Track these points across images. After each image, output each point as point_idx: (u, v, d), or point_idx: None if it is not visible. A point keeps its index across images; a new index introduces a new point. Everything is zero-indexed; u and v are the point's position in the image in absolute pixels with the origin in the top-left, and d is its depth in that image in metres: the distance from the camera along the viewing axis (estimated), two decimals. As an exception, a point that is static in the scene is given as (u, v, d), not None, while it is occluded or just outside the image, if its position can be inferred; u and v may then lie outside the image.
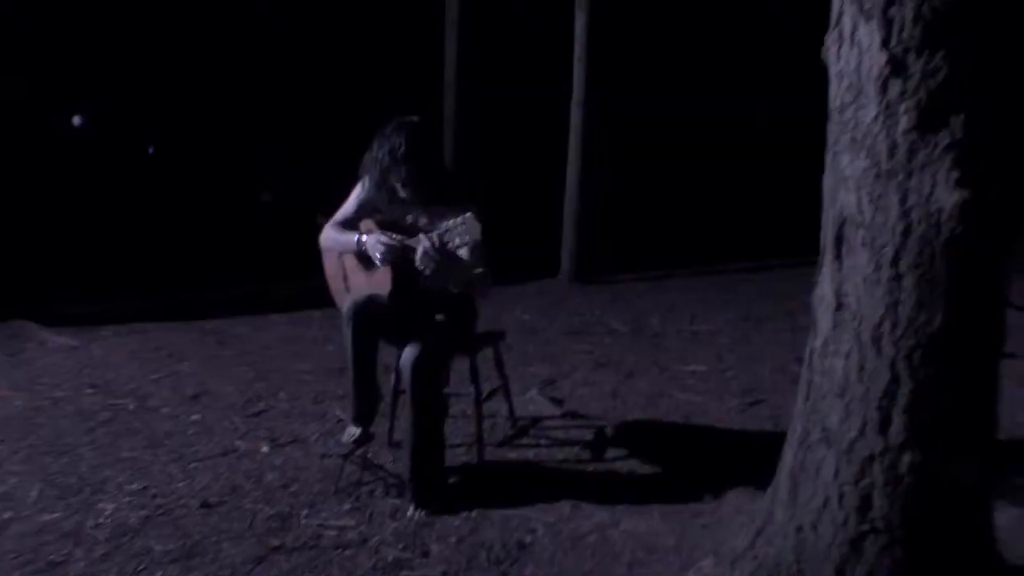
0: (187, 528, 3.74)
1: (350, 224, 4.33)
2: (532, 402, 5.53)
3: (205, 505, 3.98)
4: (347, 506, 3.98)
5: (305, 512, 3.92)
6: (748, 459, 4.38)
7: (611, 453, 4.67)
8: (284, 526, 3.78)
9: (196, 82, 11.73)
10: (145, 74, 11.37)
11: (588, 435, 4.96)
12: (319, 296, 4.93)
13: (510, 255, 6.16)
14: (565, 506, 3.93)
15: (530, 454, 4.68)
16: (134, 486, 4.20)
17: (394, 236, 4.07)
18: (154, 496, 4.08)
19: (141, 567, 3.42)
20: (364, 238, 4.13)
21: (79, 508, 3.94)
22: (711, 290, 10.50)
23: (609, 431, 5.01)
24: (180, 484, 4.23)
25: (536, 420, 5.22)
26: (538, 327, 8.18)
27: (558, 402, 5.53)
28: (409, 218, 4.28)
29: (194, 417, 5.28)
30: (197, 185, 11.57)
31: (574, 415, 5.32)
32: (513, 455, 4.67)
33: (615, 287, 10.65)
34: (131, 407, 5.46)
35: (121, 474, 4.35)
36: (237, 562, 3.45)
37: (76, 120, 11.40)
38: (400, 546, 3.58)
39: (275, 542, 3.62)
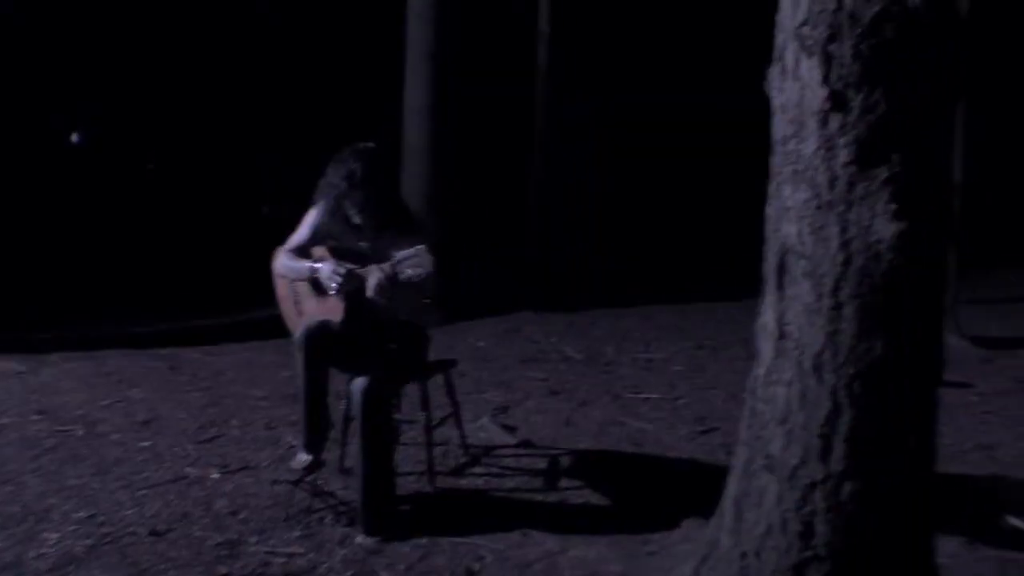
0: (134, 557, 3.69)
1: (303, 250, 4.32)
2: (484, 429, 5.53)
3: (153, 533, 3.93)
4: (296, 533, 3.96)
5: (254, 539, 3.90)
6: (698, 487, 4.40)
7: (562, 481, 4.68)
8: (233, 553, 3.75)
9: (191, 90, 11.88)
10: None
11: (539, 463, 4.97)
12: (274, 321, 4.91)
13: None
14: (514, 534, 3.93)
15: (480, 482, 4.68)
16: (80, 514, 4.14)
17: (347, 266, 4.08)
18: (101, 524, 4.03)
19: (85, 597, 3.39)
20: (317, 266, 4.13)
21: (22, 538, 3.87)
22: (667, 318, 10.56)
23: (561, 459, 5.02)
24: (128, 511, 4.18)
25: (488, 448, 5.23)
26: (492, 354, 8.20)
27: (510, 429, 5.54)
28: (363, 245, 4.28)
29: (144, 443, 5.23)
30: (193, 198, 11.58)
31: (526, 443, 5.33)
32: (464, 483, 4.66)
33: (571, 315, 10.67)
34: (79, 433, 5.40)
35: (67, 502, 4.28)
36: (184, 591, 3.43)
37: (74, 137, 11.39)
38: (349, 573, 3.57)
39: (223, 570, 3.60)
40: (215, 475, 4.72)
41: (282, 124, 12.43)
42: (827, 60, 2.59)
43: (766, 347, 2.90)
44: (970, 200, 8.85)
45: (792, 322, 2.77)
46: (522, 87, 11.08)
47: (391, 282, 3.91)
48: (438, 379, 4.82)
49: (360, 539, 3.86)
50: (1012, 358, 8.18)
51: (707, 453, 5.13)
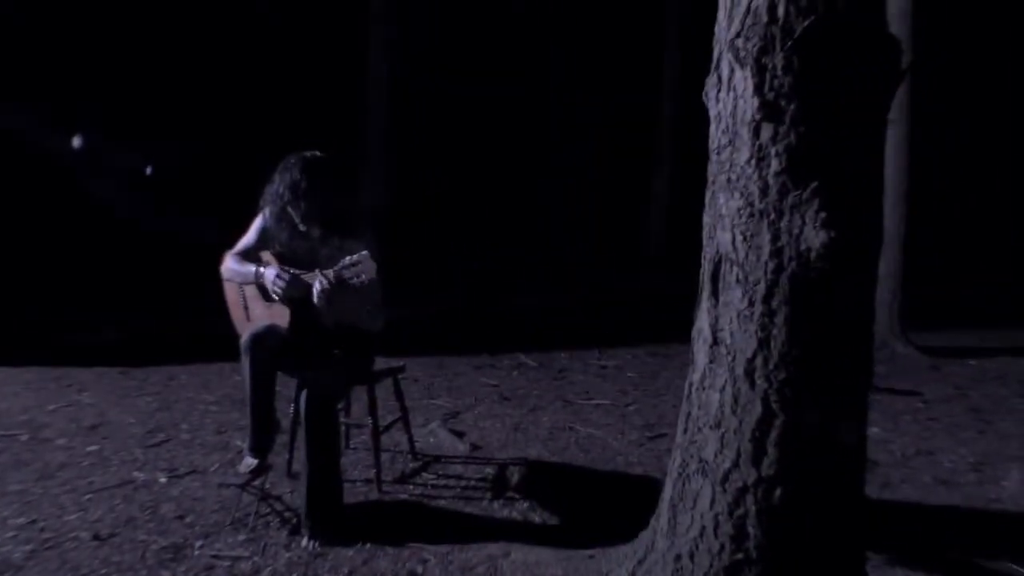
0: (75, 561, 3.67)
1: (251, 254, 4.33)
2: (434, 435, 5.55)
3: (96, 537, 3.91)
4: (242, 537, 3.96)
5: (199, 543, 3.89)
6: (642, 491, 4.46)
7: (508, 486, 4.70)
8: (177, 557, 3.74)
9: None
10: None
11: (487, 468, 4.98)
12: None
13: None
14: (458, 538, 3.95)
15: (428, 487, 4.69)
16: (21, 520, 4.11)
17: (291, 271, 4.09)
18: (42, 530, 4.00)
19: (23, 603, 3.36)
20: (263, 270, 4.14)
21: (-41, 546, 3.85)
22: (620, 324, 10.63)
23: (508, 465, 5.04)
24: (71, 516, 4.16)
25: (437, 454, 5.24)
26: (445, 361, 8.21)
27: (459, 435, 5.55)
28: (308, 251, 4.29)
29: (91, 448, 5.20)
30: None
31: (474, 447, 5.35)
32: (411, 487, 4.67)
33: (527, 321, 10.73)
34: (23, 438, 5.37)
35: (7, 508, 4.25)
36: (126, 594, 3.42)
37: (76, 141, 11.37)
38: (292, 576, 3.58)
39: (166, 574, 3.58)
40: (162, 479, 4.71)
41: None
42: (760, 71, 2.63)
43: (701, 353, 2.94)
44: (920, 210, 9.00)
45: (725, 328, 2.81)
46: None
47: (334, 288, 3.93)
48: (388, 385, 4.84)
49: (305, 543, 3.86)
50: (958, 366, 8.31)
51: (655, 458, 5.17)
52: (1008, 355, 8.89)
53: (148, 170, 12.24)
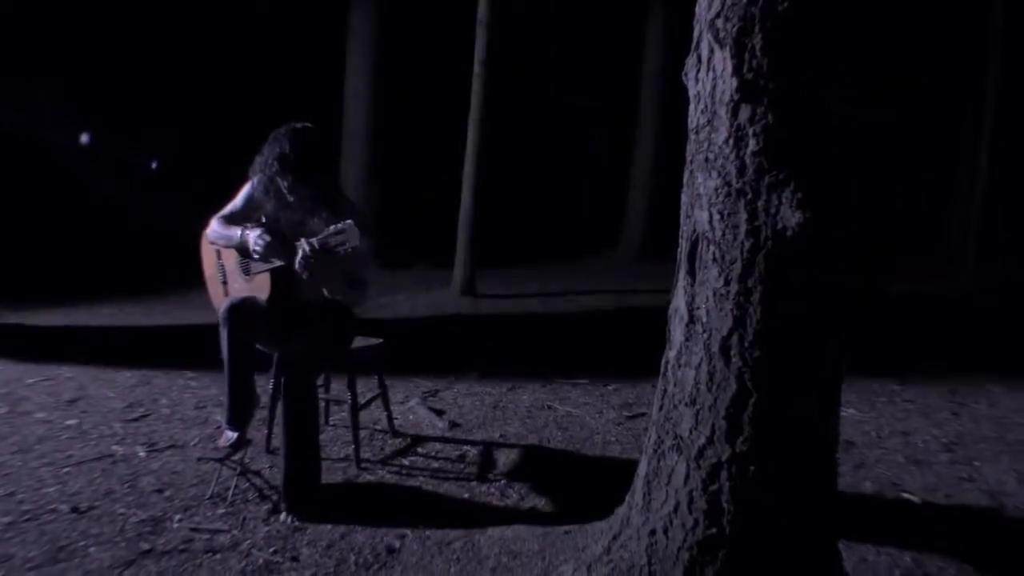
0: (53, 533, 3.68)
1: (235, 219, 4.33)
2: (413, 412, 5.58)
3: (75, 510, 3.93)
4: (221, 510, 3.98)
5: (178, 516, 3.90)
6: (619, 469, 4.51)
7: (485, 463, 4.73)
8: (156, 530, 3.76)
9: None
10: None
11: (466, 446, 5.01)
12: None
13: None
14: (436, 513, 3.99)
15: (406, 463, 4.71)
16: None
17: (275, 235, 4.11)
18: (20, 502, 4.01)
19: (-1, 575, 3.38)
20: (247, 231, 4.14)
21: (-64, 517, 3.87)
22: (602, 305, 10.67)
23: (487, 442, 5.07)
24: (50, 489, 4.17)
25: (416, 431, 5.26)
26: (427, 338, 8.24)
27: (439, 412, 5.58)
28: (294, 222, 4.29)
29: (70, 422, 5.22)
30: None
31: (453, 425, 5.38)
32: (390, 464, 4.69)
33: (506, 300, 10.76)
34: (2, 411, 5.38)
35: (-14, 480, 4.27)
36: (104, 567, 3.41)
37: (84, 138, 11.45)
38: (271, 550, 3.59)
39: (145, 546, 3.60)
40: (142, 453, 4.73)
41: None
42: (739, 51, 2.65)
43: (677, 331, 2.97)
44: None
45: (702, 306, 2.83)
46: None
47: (317, 256, 3.94)
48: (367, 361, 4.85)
49: (283, 518, 3.88)
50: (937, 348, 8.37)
51: (632, 437, 5.21)
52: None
53: (153, 164, 12.40)
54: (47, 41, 11.70)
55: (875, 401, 6.16)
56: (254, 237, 4.09)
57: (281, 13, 14.45)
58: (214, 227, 4.36)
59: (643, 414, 5.67)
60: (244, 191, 4.41)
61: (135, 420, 5.31)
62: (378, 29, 13.39)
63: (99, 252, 11.52)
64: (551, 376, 6.75)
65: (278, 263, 4.14)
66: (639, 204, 16.57)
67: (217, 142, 11.28)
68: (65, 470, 4.44)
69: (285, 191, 4.24)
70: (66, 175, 11.67)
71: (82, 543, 3.61)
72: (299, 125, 4.25)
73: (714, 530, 2.82)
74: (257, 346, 4.30)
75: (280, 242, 4.07)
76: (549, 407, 5.86)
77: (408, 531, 3.76)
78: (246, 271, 4.36)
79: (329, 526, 3.81)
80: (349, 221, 3.92)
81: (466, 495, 4.28)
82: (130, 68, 12.74)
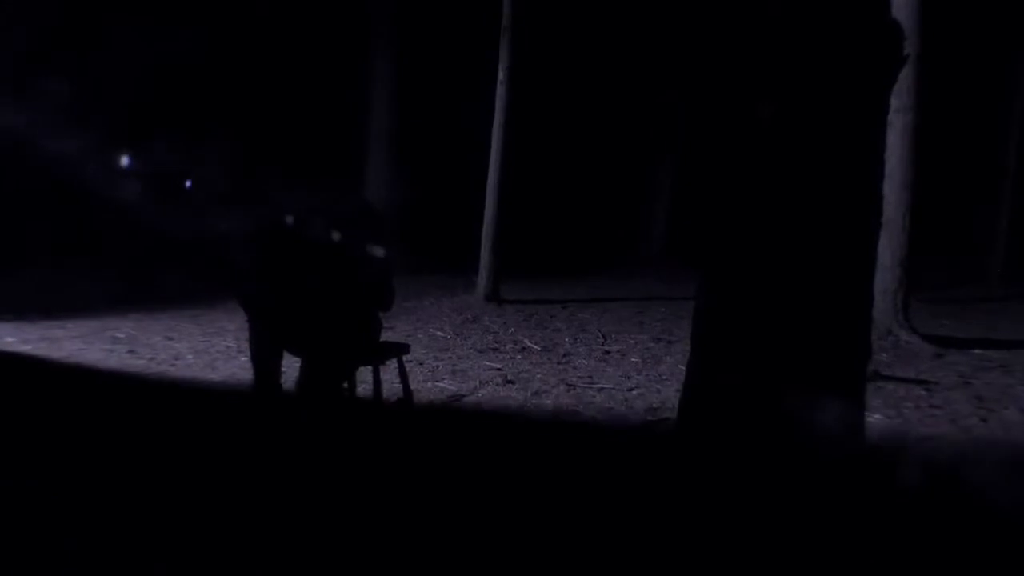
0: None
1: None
2: (437, 416, 5.60)
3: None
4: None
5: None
6: (644, 475, 4.50)
7: (507, 468, 4.72)
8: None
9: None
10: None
11: (488, 448, 5.00)
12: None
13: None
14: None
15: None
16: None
17: None
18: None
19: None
20: None
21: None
22: (626, 311, 10.67)
23: (510, 447, 5.07)
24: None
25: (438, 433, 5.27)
26: (451, 344, 8.27)
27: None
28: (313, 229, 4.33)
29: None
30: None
31: (478, 430, 5.38)
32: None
33: (530, 306, 10.78)
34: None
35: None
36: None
37: (124, 160, 11.74)
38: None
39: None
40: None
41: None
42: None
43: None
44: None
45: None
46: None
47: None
48: (393, 366, 4.87)
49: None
50: (962, 355, 8.32)
51: (656, 442, 5.19)
52: (1010, 347, 8.90)
53: (124, 160, 12.62)
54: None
55: (901, 407, 6.13)
56: None
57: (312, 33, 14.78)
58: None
59: (667, 419, 5.63)
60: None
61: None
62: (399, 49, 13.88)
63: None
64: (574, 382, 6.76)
65: None
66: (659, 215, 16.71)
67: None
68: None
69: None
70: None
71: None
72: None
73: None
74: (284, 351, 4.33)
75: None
76: (573, 411, 5.85)
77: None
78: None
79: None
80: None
81: (484, 495, 4.27)
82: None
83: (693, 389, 3.13)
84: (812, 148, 2.62)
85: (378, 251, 3.94)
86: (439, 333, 8.91)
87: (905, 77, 8.98)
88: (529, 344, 8.43)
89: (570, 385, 6.66)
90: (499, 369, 7.18)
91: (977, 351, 8.58)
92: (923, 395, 6.54)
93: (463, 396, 6.19)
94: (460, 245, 12.34)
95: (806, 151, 2.62)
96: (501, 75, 10.84)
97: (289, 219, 4.33)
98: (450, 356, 7.69)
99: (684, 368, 3.16)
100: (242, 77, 13.94)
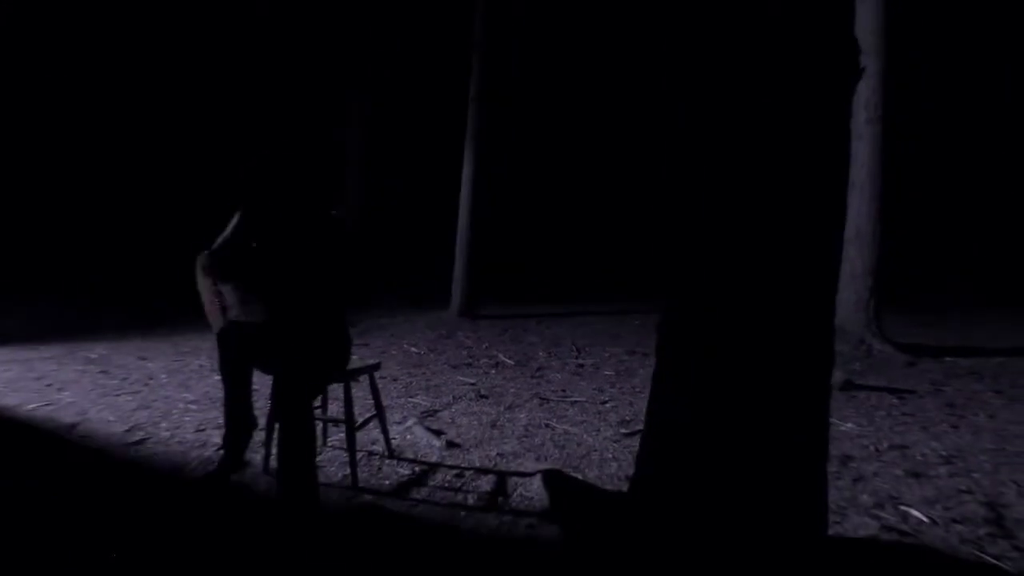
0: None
1: (227, 250, 4.36)
2: (411, 432, 5.58)
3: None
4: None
5: (175, 540, 3.90)
6: (617, 486, 4.51)
7: (482, 482, 4.72)
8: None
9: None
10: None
11: (463, 465, 5.00)
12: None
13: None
14: (432, 536, 3.97)
15: (403, 485, 4.70)
16: (-3, 519, 4.11)
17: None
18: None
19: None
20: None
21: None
22: (599, 325, 10.69)
23: (483, 461, 5.07)
24: (48, 514, 4.16)
25: (413, 451, 5.25)
26: (425, 360, 8.26)
27: (437, 433, 5.58)
28: (284, 247, 4.32)
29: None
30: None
31: (451, 445, 5.37)
32: (386, 484, 4.69)
33: (504, 321, 10.78)
34: (2, 439, 5.37)
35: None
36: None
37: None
38: (268, 572, 3.59)
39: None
40: (141, 478, 4.72)
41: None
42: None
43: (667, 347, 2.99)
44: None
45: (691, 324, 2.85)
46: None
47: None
48: (366, 383, 4.85)
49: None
50: (934, 363, 8.39)
51: (630, 454, 5.20)
52: (980, 354, 8.99)
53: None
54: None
55: (873, 415, 6.17)
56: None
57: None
58: (207, 262, 4.39)
59: (640, 431, 5.64)
60: (232, 222, 4.43)
61: (135, 444, 5.29)
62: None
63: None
64: (548, 396, 6.76)
65: None
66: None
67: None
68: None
69: (269, 217, 4.28)
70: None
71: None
72: (282, 152, 4.27)
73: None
74: (255, 369, 4.32)
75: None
76: (547, 425, 5.86)
77: (408, 552, 3.76)
78: (243, 296, 4.39)
79: (326, 552, 3.79)
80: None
81: (461, 513, 4.28)
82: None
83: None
84: (776, 152, 2.64)
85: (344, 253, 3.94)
86: (413, 349, 8.92)
87: (875, 90, 9.12)
88: (503, 358, 8.45)
89: (544, 399, 6.68)
90: (473, 384, 7.19)
91: (948, 359, 8.66)
92: (895, 403, 6.59)
93: (436, 411, 6.19)
94: (435, 263, 12.38)
95: (771, 155, 2.65)
96: (473, 93, 10.90)
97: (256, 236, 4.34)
98: (424, 372, 7.70)
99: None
100: (225, 110, 14.36)
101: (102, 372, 7.42)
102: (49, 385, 6.81)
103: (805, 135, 2.68)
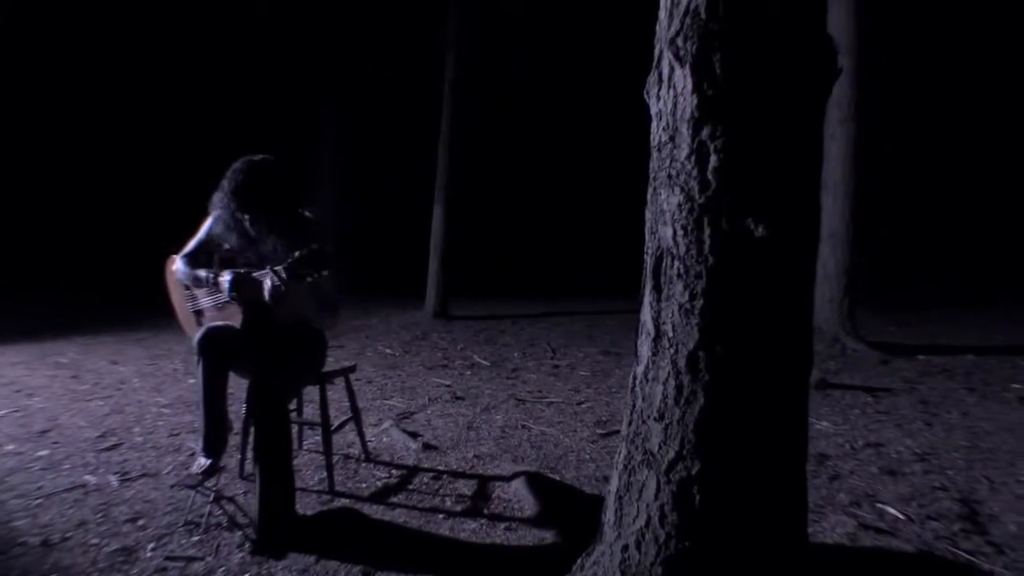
0: (23, 568, 3.62)
1: (199, 256, 4.34)
2: (387, 434, 5.56)
3: (45, 543, 3.87)
4: (195, 538, 3.94)
5: (152, 545, 3.86)
6: (593, 487, 4.51)
7: (459, 485, 4.71)
8: (129, 559, 3.71)
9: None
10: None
11: (440, 467, 5.00)
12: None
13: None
14: (409, 540, 3.96)
15: (379, 488, 4.69)
16: (-31, 526, 4.07)
17: (242, 271, 4.12)
18: (-11, 535, 3.97)
19: (-37, 613, 3.33)
20: (218, 279, 4.19)
21: (-98, 553, 3.80)
22: (574, 326, 10.68)
23: (459, 463, 5.06)
24: (20, 522, 4.11)
25: (390, 453, 5.24)
26: (400, 362, 8.24)
27: (413, 435, 5.57)
28: (257, 254, 4.30)
29: (41, 453, 5.17)
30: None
31: (427, 447, 5.36)
32: (363, 486, 4.67)
33: (479, 322, 10.77)
34: (-27, 445, 5.32)
35: (-43, 514, 4.22)
36: (76, 598, 3.39)
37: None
38: (245, 577, 3.57)
39: (117, 576, 3.57)
40: (114, 483, 4.68)
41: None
42: (699, 70, 2.68)
43: (644, 346, 2.98)
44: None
45: (668, 321, 2.85)
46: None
47: (285, 284, 3.94)
48: (341, 386, 4.84)
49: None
50: (907, 361, 8.43)
51: (607, 455, 5.21)
52: (953, 353, 9.05)
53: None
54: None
55: (848, 413, 6.20)
56: (224, 284, 4.12)
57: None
58: (180, 266, 4.38)
59: (617, 431, 5.67)
60: (205, 226, 4.41)
61: (108, 449, 5.26)
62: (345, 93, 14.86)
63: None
64: (524, 397, 6.75)
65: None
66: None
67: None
68: (36, 502, 4.38)
69: (247, 225, 4.25)
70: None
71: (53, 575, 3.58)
72: (257, 158, 4.25)
73: (686, 543, 2.83)
74: (231, 372, 4.29)
75: (248, 281, 4.09)
76: (523, 426, 5.86)
77: (384, 557, 3.74)
78: (217, 301, 4.36)
79: (303, 555, 3.78)
80: (315, 246, 3.92)
81: (438, 517, 4.27)
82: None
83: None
84: (751, 152, 2.64)
85: (315, 261, 3.91)
86: (388, 351, 8.90)
87: (848, 89, 9.17)
88: (478, 359, 8.43)
89: (520, 400, 6.67)
90: (448, 385, 7.18)
91: (922, 357, 8.71)
92: (870, 401, 6.62)
93: (412, 413, 6.18)
94: (408, 265, 12.39)
95: (745, 155, 2.65)
96: (447, 91, 10.88)
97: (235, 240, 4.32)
98: (399, 373, 7.67)
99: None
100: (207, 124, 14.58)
101: (73, 377, 7.36)
102: (18, 392, 6.74)
103: (780, 136, 2.68)
